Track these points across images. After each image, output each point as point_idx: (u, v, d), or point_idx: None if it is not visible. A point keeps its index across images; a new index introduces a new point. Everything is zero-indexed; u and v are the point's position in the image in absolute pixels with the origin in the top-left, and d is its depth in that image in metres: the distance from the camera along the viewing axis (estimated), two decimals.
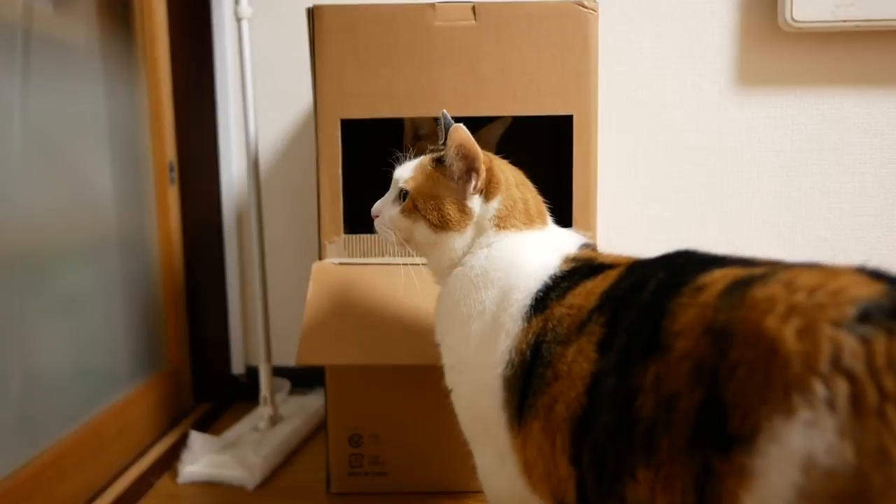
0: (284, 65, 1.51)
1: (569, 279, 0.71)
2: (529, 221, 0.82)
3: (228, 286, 1.58)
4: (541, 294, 0.72)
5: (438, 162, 0.83)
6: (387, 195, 0.88)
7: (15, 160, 1.03)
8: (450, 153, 0.80)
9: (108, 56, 1.31)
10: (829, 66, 1.43)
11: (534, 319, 0.70)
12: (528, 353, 0.69)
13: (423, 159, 0.86)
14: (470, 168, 0.80)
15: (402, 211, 0.83)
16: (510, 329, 0.72)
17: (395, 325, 1.01)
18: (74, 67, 1.21)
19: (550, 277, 0.73)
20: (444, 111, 0.92)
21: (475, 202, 0.81)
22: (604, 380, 0.59)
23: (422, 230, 0.82)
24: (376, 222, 0.87)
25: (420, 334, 0.95)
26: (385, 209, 0.86)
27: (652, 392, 0.54)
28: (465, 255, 0.82)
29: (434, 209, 0.81)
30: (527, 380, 0.68)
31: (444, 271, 0.84)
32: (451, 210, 0.81)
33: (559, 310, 0.68)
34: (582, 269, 0.73)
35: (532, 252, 0.78)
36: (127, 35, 1.39)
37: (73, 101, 1.20)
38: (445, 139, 0.85)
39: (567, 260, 0.75)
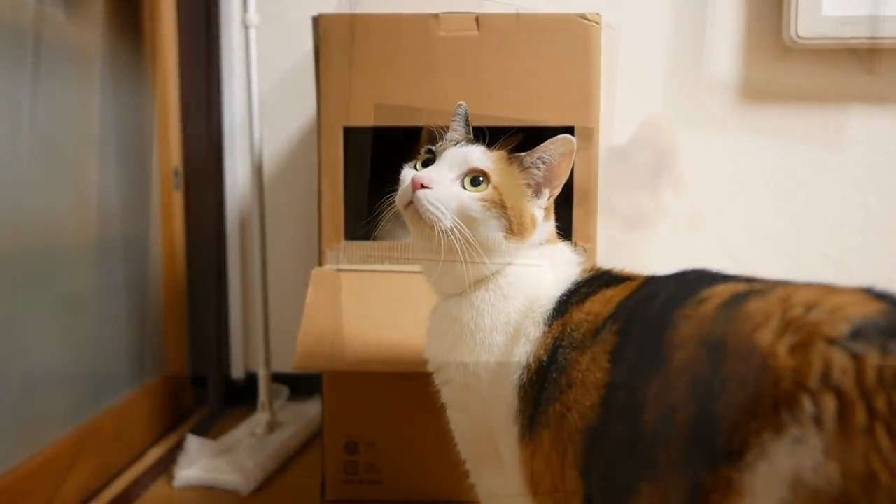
0: (290, 73, 1.52)
1: (589, 286, 0.71)
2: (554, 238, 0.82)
3: (230, 291, 1.58)
4: (563, 297, 0.71)
5: (517, 161, 0.76)
6: (436, 167, 0.73)
7: (22, 163, 1.04)
8: (545, 156, 0.74)
9: (117, 62, 1.32)
10: (834, 82, 1.43)
11: (554, 323, 0.69)
12: (546, 358, 0.67)
13: (498, 152, 0.76)
14: (548, 182, 0.76)
15: (483, 199, 0.71)
16: (531, 334, 0.70)
17: (393, 332, 1.01)
18: (84, 73, 1.22)
19: (573, 283, 0.73)
20: (463, 102, 0.84)
21: (540, 216, 0.77)
22: (617, 391, 0.58)
23: (491, 229, 0.71)
24: (423, 194, 0.69)
25: (418, 342, 0.95)
26: (445, 182, 0.71)
27: (655, 405, 0.53)
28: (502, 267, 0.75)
29: (518, 212, 0.73)
30: (541, 387, 0.66)
31: (463, 284, 0.74)
32: (528, 219, 0.74)
33: (578, 315, 0.67)
34: (603, 277, 0.73)
35: (557, 263, 0.77)
36: (136, 42, 1.40)
37: (81, 106, 1.21)
38: (468, 132, 0.81)
39: (586, 269, 0.75)
